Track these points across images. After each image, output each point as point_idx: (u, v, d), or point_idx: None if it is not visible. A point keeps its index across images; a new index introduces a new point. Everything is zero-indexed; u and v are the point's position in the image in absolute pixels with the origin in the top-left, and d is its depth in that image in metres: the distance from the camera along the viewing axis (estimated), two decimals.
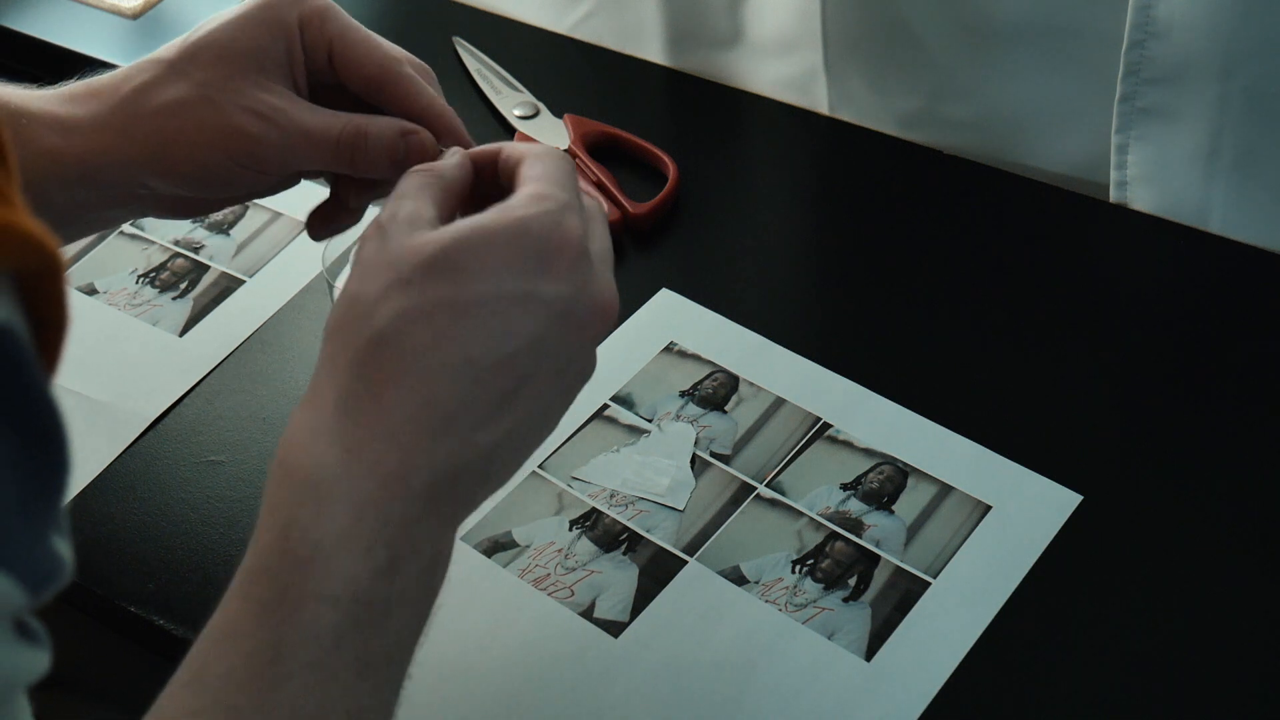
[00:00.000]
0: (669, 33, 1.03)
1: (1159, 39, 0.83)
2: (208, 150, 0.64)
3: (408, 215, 0.56)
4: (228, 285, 0.88)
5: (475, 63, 1.00)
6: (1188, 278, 0.88)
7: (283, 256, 0.89)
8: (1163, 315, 0.85)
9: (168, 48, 0.66)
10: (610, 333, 0.58)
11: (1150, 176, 0.89)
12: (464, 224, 0.55)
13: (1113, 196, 0.91)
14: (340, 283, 0.84)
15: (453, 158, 0.60)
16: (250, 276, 0.89)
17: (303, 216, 0.90)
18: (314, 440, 0.53)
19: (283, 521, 0.51)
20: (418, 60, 0.66)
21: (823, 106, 1.00)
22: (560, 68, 1.03)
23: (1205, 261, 0.87)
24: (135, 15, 1.01)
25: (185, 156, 0.64)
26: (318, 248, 0.86)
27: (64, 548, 0.38)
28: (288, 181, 0.68)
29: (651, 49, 1.04)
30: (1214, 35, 0.82)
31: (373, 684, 0.51)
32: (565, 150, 0.93)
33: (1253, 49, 0.82)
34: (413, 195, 0.57)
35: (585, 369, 0.58)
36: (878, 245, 0.89)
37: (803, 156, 0.98)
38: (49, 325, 0.36)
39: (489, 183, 0.61)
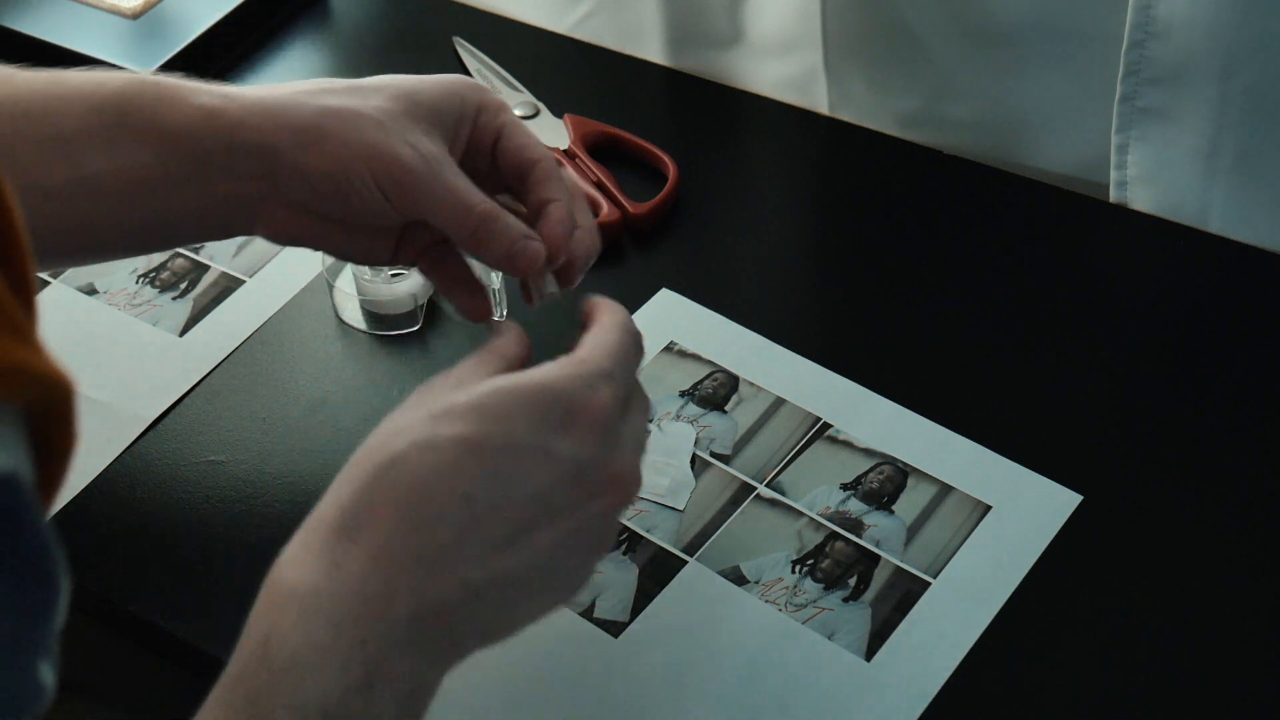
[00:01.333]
0: (669, 33, 1.03)
1: (1159, 39, 0.83)
2: (359, 161, 0.65)
3: (457, 375, 0.59)
4: (228, 285, 0.88)
5: (475, 63, 1.00)
6: (1188, 278, 0.88)
7: (283, 256, 0.89)
8: (1163, 315, 0.85)
9: (355, 80, 0.68)
10: (627, 502, 0.59)
11: (1150, 176, 0.89)
12: (499, 378, 0.58)
13: (1113, 196, 0.91)
14: (340, 283, 0.85)
15: (509, 336, 0.63)
16: (250, 276, 0.89)
17: None
18: (305, 553, 0.54)
19: (264, 630, 0.52)
20: (553, 158, 0.69)
21: (823, 106, 1.00)
22: (560, 68, 1.03)
23: (1205, 261, 0.87)
24: (135, 15, 1.01)
25: (335, 157, 0.65)
26: None
27: (49, 674, 0.38)
28: (385, 248, 0.70)
29: (651, 49, 1.04)
30: (1214, 35, 0.82)
31: None
32: (565, 150, 0.93)
33: (1253, 49, 0.82)
34: (470, 363, 0.60)
35: (602, 539, 0.59)
36: (877, 245, 0.89)
37: (803, 156, 0.98)
38: (55, 449, 0.36)
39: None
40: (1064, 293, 0.85)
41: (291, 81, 0.69)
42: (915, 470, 0.76)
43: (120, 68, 0.98)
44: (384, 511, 0.54)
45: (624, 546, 0.74)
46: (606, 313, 0.63)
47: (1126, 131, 0.88)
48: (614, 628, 0.71)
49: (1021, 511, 0.74)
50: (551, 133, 0.94)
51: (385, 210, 0.66)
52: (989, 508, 0.74)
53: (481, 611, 0.55)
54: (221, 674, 0.53)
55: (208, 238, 0.74)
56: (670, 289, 0.86)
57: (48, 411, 0.35)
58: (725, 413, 0.79)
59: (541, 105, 0.97)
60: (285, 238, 0.70)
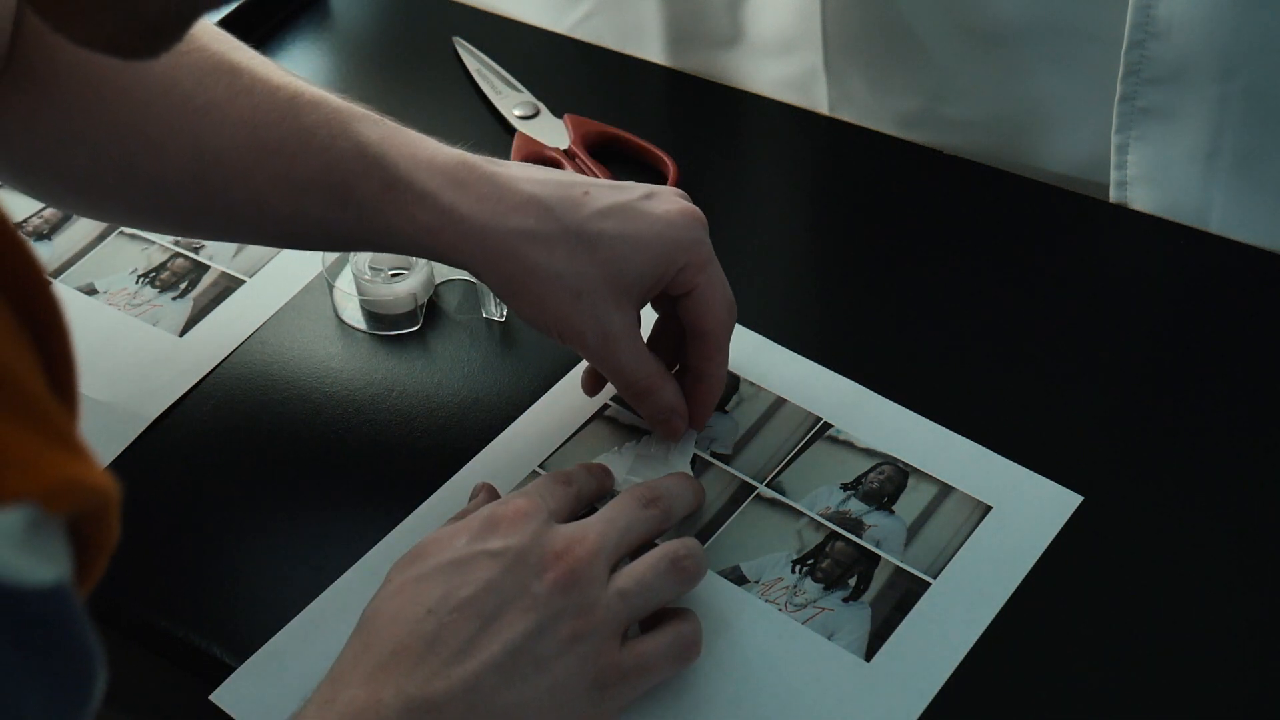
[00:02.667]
0: (669, 33, 1.03)
1: (1159, 39, 0.83)
2: (539, 318, 0.72)
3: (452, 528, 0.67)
4: (228, 285, 0.88)
5: (475, 63, 1.00)
6: (1188, 278, 0.88)
7: (283, 256, 0.89)
8: (1163, 315, 0.85)
9: (582, 212, 0.71)
10: (570, 579, 0.63)
11: (1150, 176, 0.89)
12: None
13: (1113, 196, 0.91)
14: (340, 283, 0.85)
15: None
16: (250, 276, 0.89)
17: None
18: (307, 705, 0.60)
19: None
20: (728, 325, 0.75)
21: (823, 106, 1.00)
22: (560, 68, 1.03)
23: (1205, 261, 0.87)
24: None
25: (526, 306, 0.72)
26: None
27: None
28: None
29: (651, 49, 1.04)
30: (1214, 35, 0.82)
31: None
32: (565, 150, 0.93)
33: (1253, 49, 0.82)
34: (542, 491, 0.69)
35: (572, 616, 0.62)
36: (877, 245, 0.89)
37: (803, 156, 0.98)
38: (93, 546, 0.37)
39: None
40: (1064, 293, 0.85)
41: (496, 182, 0.72)
42: (916, 470, 0.76)
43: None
44: (363, 656, 0.60)
45: None
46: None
47: (1126, 131, 0.88)
48: None
49: (1022, 512, 0.74)
50: (551, 133, 0.95)
51: (560, 346, 0.74)
52: (989, 508, 0.74)
53: (479, 699, 0.60)
54: None
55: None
56: None
57: (91, 517, 0.36)
58: (726, 412, 0.79)
59: (541, 105, 0.97)
60: None
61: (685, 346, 0.75)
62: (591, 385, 0.78)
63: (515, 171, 0.72)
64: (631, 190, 0.73)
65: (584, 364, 0.79)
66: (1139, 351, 0.82)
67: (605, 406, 0.80)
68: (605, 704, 0.63)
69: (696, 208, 0.74)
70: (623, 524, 0.66)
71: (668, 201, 0.73)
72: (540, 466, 0.77)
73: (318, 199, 0.72)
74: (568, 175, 0.74)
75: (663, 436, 0.76)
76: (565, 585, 0.62)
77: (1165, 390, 0.80)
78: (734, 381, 0.80)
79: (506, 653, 0.60)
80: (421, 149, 0.72)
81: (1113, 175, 0.90)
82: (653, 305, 0.77)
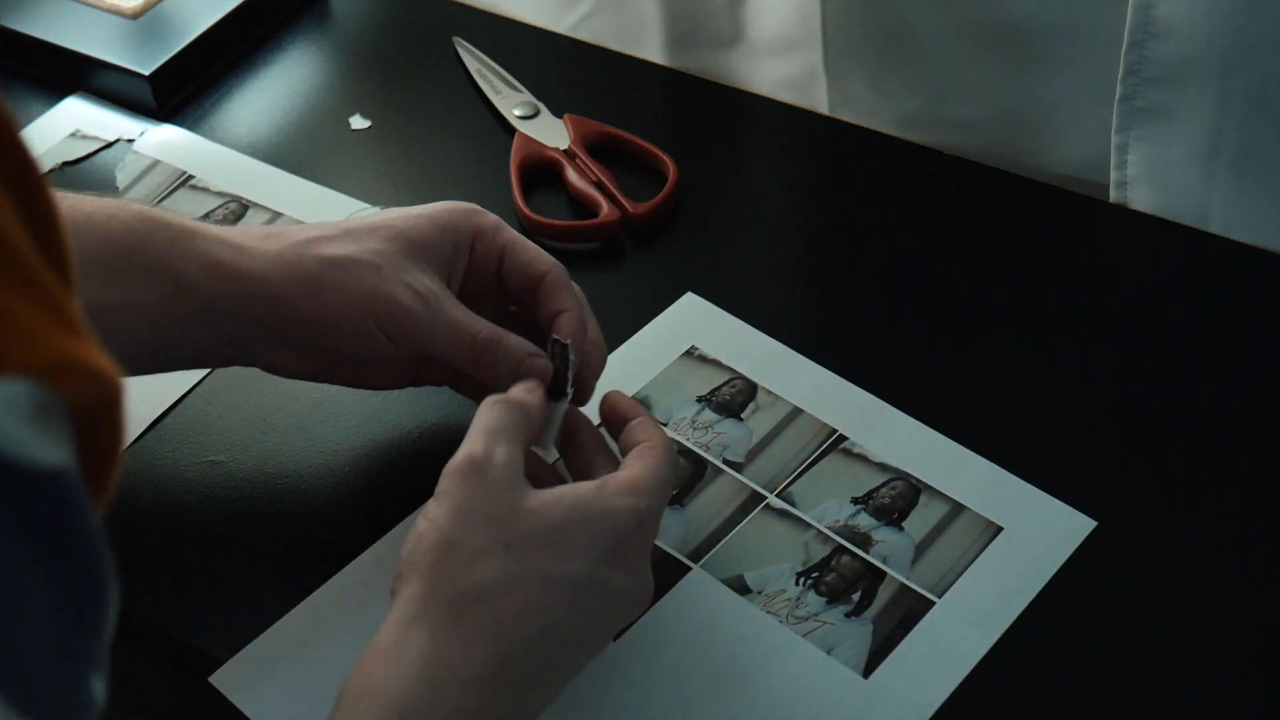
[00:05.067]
0: (669, 33, 1.03)
1: (1159, 39, 0.83)
2: (358, 308, 0.68)
3: (504, 463, 0.62)
4: None
5: (475, 63, 1.00)
6: (1188, 278, 0.88)
7: None
8: (1163, 316, 0.85)
9: (349, 221, 0.72)
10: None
11: (1150, 176, 0.89)
12: (565, 500, 0.62)
13: (1113, 196, 0.91)
14: None
15: (534, 396, 0.67)
16: None
17: (302, 216, 0.90)
18: (401, 668, 0.58)
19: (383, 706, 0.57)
20: (560, 268, 0.72)
21: (823, 106, 1.00)
22: (560, 68, 1.03)
23: (1205, 261, 0.87)
24: (135, 15, 1.01)
25: (336, 305, 0.69)
26: None
27: (100, 687, 0.38)
28: (399, 376, 0.74)
29: (651, 49, 1.04)
30: (1214, 35, 0.82)
31: None
32: (565, 150, 0.93)
33: (1253, 49, 0.82)
34: (506, 439, 0.63)
35: (604, 645, 0.66)
36: (877, 246, 0.89)
37: (802, 156, 0.98)
38: (101, 450, 0.35)
39: (613, 430, 0.70)
40: (1064, 293, 0.85)
41: (284, 228, 0.72)
42: (928, 487, 0.75)
43: (122, 68, 0.98)
44: (475, 646, 0.59)
45: None
46: (655, 434, 0.68)
47: (1126, 131, 0.88)
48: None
49: (1033, 535, 0.73)
50: (551, 133, 0.94)
51: (390, 349, 0.70)
52: (1000, 529, 0.73)
53: (528, 713, 0.61)
54: None
55: (206, 366, 0.80)
56: (693, 292, 0.85)
57: (95, 410, 0.34)
58: (741, 420, 0.79)
59: (541, 105, 0.97)
60: (289, 373, 0.74)
61: (533, 312, 0.72)
62: (474, 389, 0.75)
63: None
64: None
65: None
66: (1139, 353, 0.82)
67: None
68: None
69: None
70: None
71: None
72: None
73: (100, 279, 0.67)
74: None
75: (534, 384, 0.68)
76: (645, 605, 0.66)
77: (1168, 395, 0.80)
78: (752, 389, 0.80)
79: (565, 682, 0.63)
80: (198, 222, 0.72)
81: (1113, 175, 0.90)
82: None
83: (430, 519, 0.61)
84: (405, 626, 0.59)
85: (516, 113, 0.96)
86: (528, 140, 0.94)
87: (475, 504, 0.61)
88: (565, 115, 0.95)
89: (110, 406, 0.34)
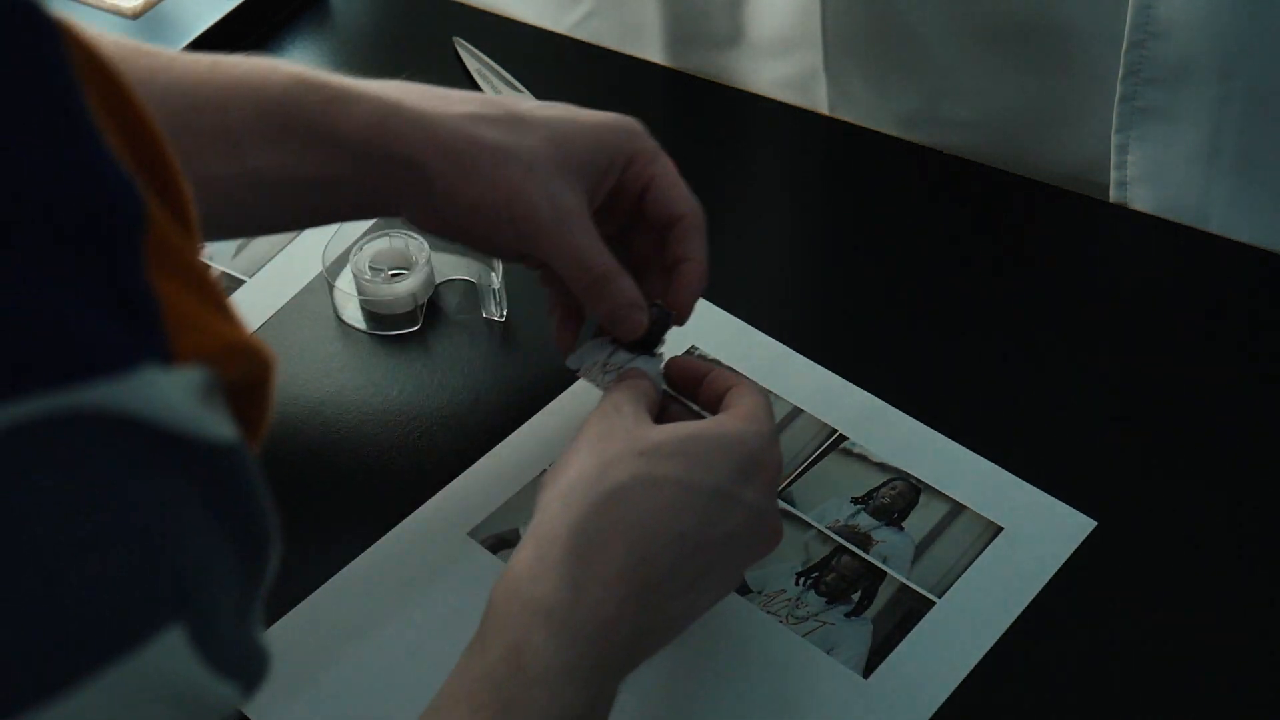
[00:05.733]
0: (669, 33, 1.03)
1: (1159, 39, 0.83)
2: (499, 201, 0.69)
3: (633, 413, 0.65)
4: (228, 285, 0.88)
5: (475, 63, 1.00)
6: (1188, 278, 0.88)
7: (283, 256, 0.89)
8: (1163, 316, 0.85)
9: (525, 104, 0.71)
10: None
11: (1150, 176, 0.89)
12: (691, 424, 0.65)
13: (1113, 196, 0.91)
14: (340, 283, 0.84)
15: (650, 383, 0.69)
16: (250, 276, 0.89)
17: None
18: (545, 571, 0.59)
19: (514, 639, 0.57)
20: (700, 212, 0.73)
21: (823, 106, 1.00)
22: (560, 68, 1.03)
23: (1205, 261, 0.87)
24: (135, 15, 1.01)
25: (480, 191, 0.69)
26: (318, 248, 0.86)
27: (262, 637, 0.40)
28: (512, 254, 0.73)
29: (651, 49, 1.04)
30: (1214, 35, 0.82)
31: None
32: None
33: (1253, 49, 0.82)
34: (632, 403, 0.66)
35: (736, 578, 0.66)
36: (876, 246, 0.89)
37: (803, 157, 0.98)
38: (251, 423, 0.37)
39: (684, 392, 0.71)
40: (1064, 293, 0.85)
41: (449, 91, 0.71)
42: (928, 487, 0.75)
43: None
44: (614, 542, 0.59)
45: None
46: (736, 375, 0.70)
47: (1126, 131, 0.88)
48: None
49: (1033, 535, 0.73)
50: None
51: (515, 245, 0.71)
52: (1000, 529, 0.74)
53: (661, 637, 0.62)
54: (455, 671, 0.58)
55: (359, 219, 0.82)
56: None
57: (250, 385, 0.36)
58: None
59: None
60: (432, 230, 0.74)
61: (663, 246, 0.74)
62: (565, 337, 0.75)
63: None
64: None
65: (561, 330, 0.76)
66: (1139, 353, 0.82)
67: None
68: None
69: None
70: None
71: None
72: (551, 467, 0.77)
73: (257, 145, 0.69)
74: None
75: (622, 335, 0.71)
76: (756, 559, 0.67)
77: (1167, 395, 0.80)
78: None
79: (704, 600, 0.63)
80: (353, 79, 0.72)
81: (1113, 175, 0.90)
82: (613, 234, 0.73)
83: (565, 453, 0.64)
84: (543, 532, 0.60)
85: None
86: None
87: (606, 429, 0.64)
88: None
89: (264, 382, 0.36)
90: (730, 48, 1.02)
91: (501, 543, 0.74)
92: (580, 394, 0.80)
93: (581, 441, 0.64)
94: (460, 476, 0.76)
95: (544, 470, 0.77)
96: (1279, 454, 0.76)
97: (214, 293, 0.35)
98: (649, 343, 0.71)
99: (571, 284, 0.71)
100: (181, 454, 0.33)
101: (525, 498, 0.76)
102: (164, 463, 0.32)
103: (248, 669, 0.38)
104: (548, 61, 1.03)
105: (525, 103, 0.72)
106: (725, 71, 1.03)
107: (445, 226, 0.73)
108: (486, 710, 0.56)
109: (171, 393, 0.32)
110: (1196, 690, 0.68)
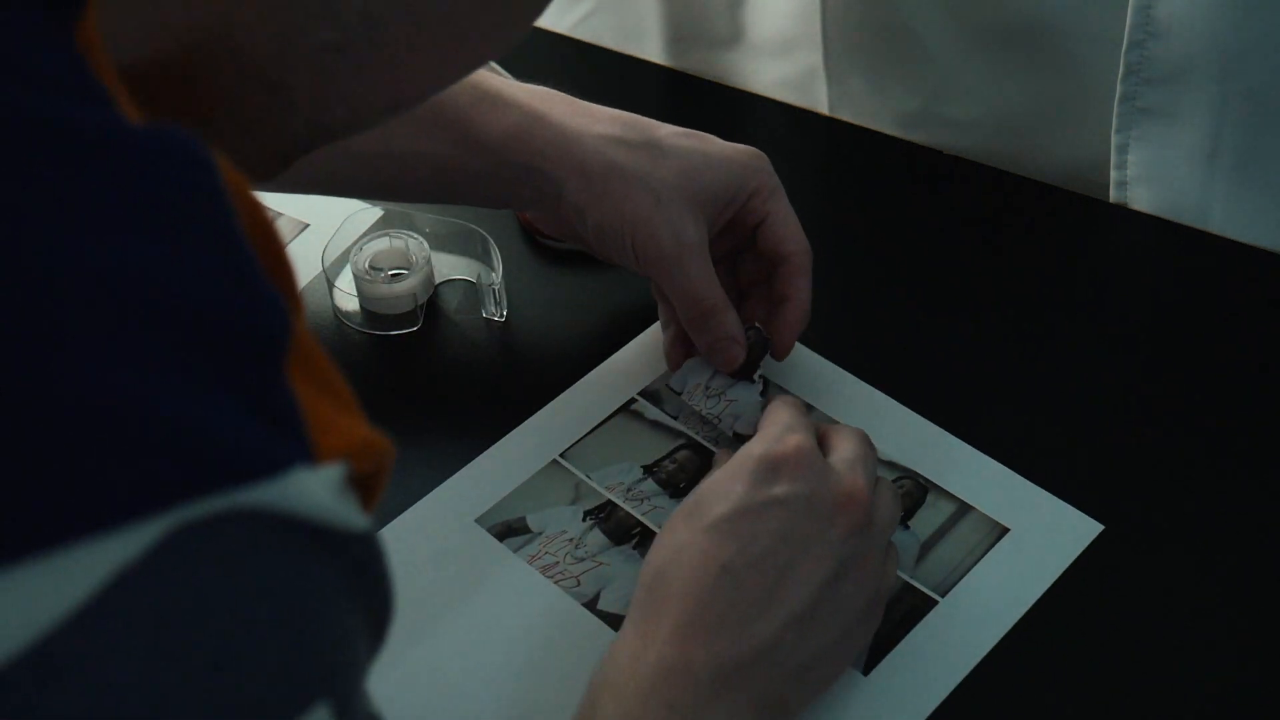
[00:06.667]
0: (669, 33, 1.04)
1: (1159, 39, 0.83)
2: (624, 226, 0.74)
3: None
4: None
5: None
6: (1188, 278, 0.88)
7: None
8: (1163, 316, 0.85)
9: (660, 131, 0.76)
10: (863, 522, 0.64)
11: (1150, 176, 0.89)
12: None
13: (1113, 196, 0.91)
14: (340, 283, 0.84)
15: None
16: None
17: (304, 217, 0.90)
18: (617, 655, 0.62)
19: (593, 698, 0.60)
20: (808, 252, 0.77)
21: (823, 106, 1.00)
22: (560, 68, 1.03)
23: (1205, 261, 0.87)
24: None
25: (607, 212, 0.74)
26: (318, 248, 0.86)
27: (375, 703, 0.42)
28: (629, 268, 0.77)
29: (651, 49, 1.04)
30: (1214, 35, 0.82)
31: None
32: None
33: (1253, 49, 0.82)
34: (800, 428, 0.68)
35: (862, 559, 0.64)
36: (876, 246, 0.89)
37: (803, 156, 0.98)
38: (367, 501, 0.40)
39: None
40: (1064, 294, 0.85)
41: (589, 106, 0.76)
42: (936, 486, 0.75)
43: None
44: (666, 605, 0.61)
45: (635, 540, 0.73)
46: (780, 402, 0.72)
47: (1126, 131, 0.88)
48: (616, 621, 0.70)
49: (1039, 536, 0.73)
50: None
51: (632, 265, 0.75)
52: (1006, 530, 0.73)
53: (783, 655, 0.61)
54: None
55: (486, 207, 0.84)
56: None
57: (374, 475, 0.39)
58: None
59: None
60: (554, 233, 0.80)
61: (770, 279, 0.77)
62: (676, 354, 0.78)
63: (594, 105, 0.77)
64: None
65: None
66: (1139, 354, 0.82)
67: (632, 401, 0.79)
68: (871, 623, 0.66)
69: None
70: (872, 462, 0.68)
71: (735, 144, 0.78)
72: (561, 456, 0.77)
73: (405, 132, 0.73)
74: None
75: (720, 366, 0.76)
76: (860, 529, 0.64)
77: (1168, 395, 0.80)
78: (763, 386, 0.80)
79: (806, 605, 0.62)
80: (504, 78, 0.75)
81: (1113, 175, 0.90)
82: (722, 255, 0.78)
83: None
84: (622, 632, 0.63)
85: None
86: None
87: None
88: None
89: (385, 471, 0.39)
90: (730, 48, 1.02)
91: (509, 530, 0.74)
92: (580, 394, 0.80)
93: None
94: (466, 467, 0.76)
95: (560, 455, 0.77)
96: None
97: (345, 394, 0.38)
98: (748, 369, 0.76)
99: (680, 311, 0.75)
100: (329, 544, 0.35)
101: (536, 486, 0.76)
102: (315, 553, 0.35)
103: None
104: (548, 61, 1.03)
105: (662, 128, 0.76)
106: (725, 71, 1.03)
107: (569, 234, 0.78)
108: None
109: (318, 490, 0.34)
110: (1200, 696, 0.67)
